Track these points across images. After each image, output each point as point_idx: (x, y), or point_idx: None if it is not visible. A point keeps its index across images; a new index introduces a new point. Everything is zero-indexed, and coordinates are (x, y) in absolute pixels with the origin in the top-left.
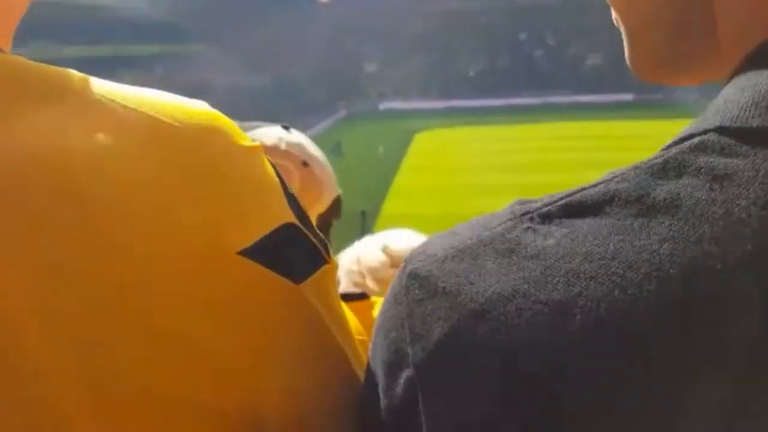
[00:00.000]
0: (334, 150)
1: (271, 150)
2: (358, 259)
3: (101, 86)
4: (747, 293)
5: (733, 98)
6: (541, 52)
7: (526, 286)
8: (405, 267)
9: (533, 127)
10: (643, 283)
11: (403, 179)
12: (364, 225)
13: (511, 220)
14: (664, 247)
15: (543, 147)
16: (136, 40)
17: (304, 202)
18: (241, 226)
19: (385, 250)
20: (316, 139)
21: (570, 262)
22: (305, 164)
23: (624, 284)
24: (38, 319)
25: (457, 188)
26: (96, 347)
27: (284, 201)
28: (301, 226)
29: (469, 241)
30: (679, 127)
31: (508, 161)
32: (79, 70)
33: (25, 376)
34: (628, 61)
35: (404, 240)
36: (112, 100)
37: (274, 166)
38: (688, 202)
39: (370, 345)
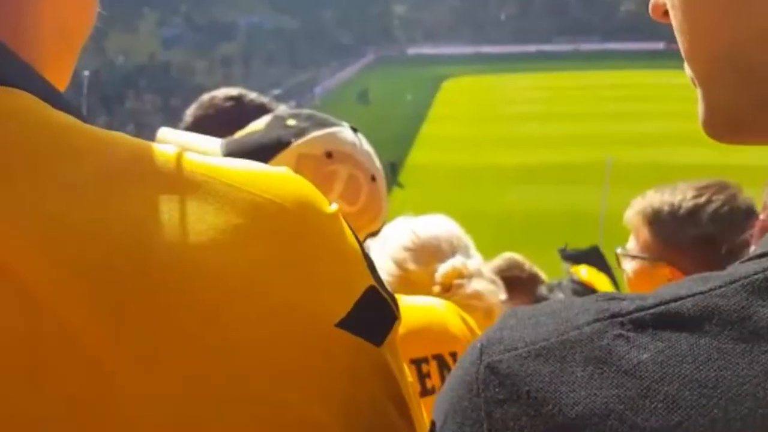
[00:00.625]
0: (360, 97)
1: (347, 158)
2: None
3: (193, 161)
4: None
5: None
6: None
7: (621, 407)
8: (480, 356)
9: (563, 75)
10: (747, 419)
11: (430, 128)
12: (392, 176)
13: (598, 321)
14: None
15: (573, 96)
16: None
17: (364, 219)
18: (337, 297)
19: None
20: (343, 86)
21: (669, 384)
22: (373, 179)
23: (727, 418)
24: (143, 398)
25: (485, 138)
26: (195, 417)
27: (364, 264)
28: (378, 286)
29: (554, 339)
30: None
31: (536, 110)
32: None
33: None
34: (700, 123)
35: (432, 228)
36: (213, 178)
37: (351, 228)
38: None
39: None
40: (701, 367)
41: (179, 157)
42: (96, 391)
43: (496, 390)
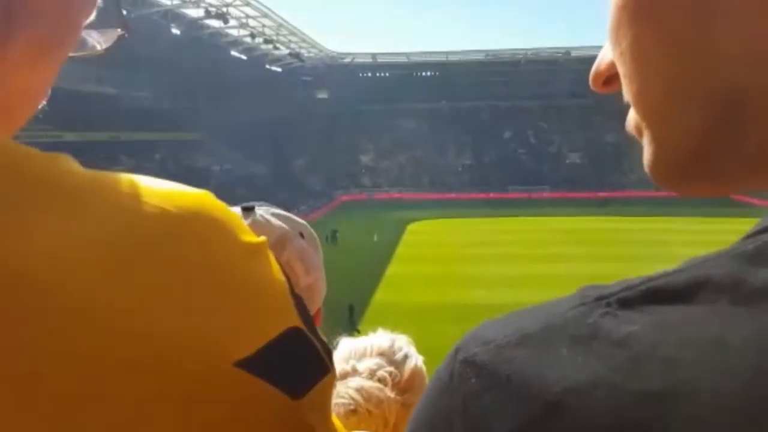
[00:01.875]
0: (330, 238)
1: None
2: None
3: (99, 179)
4: None
5: None
6: (524, 150)
7: (612, 375)
8: (456, 354)
9: (518, 220)
10: (759, 373)
11: (395, 268)
12: (352, 318)
13: (584, 305)
14: None
15: (528, 240)
16: (135, 127)
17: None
18: (242, 333)
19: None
20: (313, 227)
21: (665, 348)
22: (301, 235)
23: (735, 373)
24: None
25: (447, 278)
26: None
27: (290, 302)
28: (307, 331)
29: (535, 327)
30: (653, 222)
31: (495, 252)
32: (80, 154)
33: None
34: (646, 168)
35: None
36: (116, 193)
37: (280, 264)
38: None
39: None
40: (700, 329)
41: (57, 161)
42: None
43: (473, 382)
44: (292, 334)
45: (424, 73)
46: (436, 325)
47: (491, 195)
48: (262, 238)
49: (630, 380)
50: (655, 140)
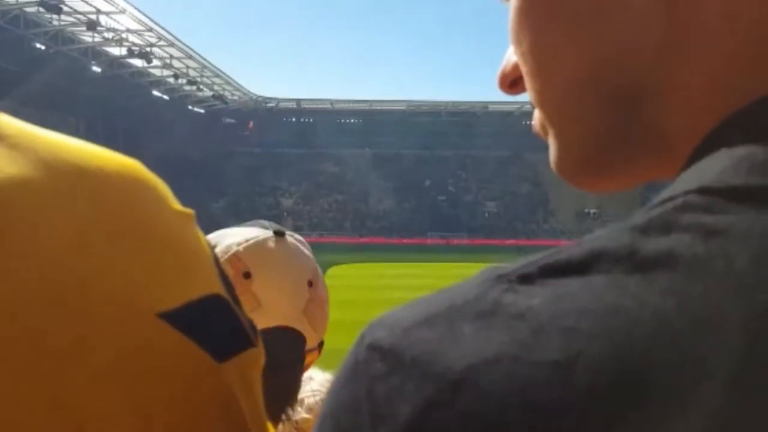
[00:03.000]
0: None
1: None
2: None
3: (24, 126)
4: (758, 349)
5: (706, 166)
6: (443, 197)
7: (514, 349)
8: (362, 340)
9: (438, 266)
10: (655, 337)
11: None
12: None
13: (485, 282)
14: (669, 302)
15: (446, 284)
16: None
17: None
18: (165, 286)
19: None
20: None
21: (563, 319)
22: (247, 275)
23: (631, 341)
24: None
25: (362, 322)
26: None
27: (215, 272)
28: (231, 303)
29: (439, 307)
30: None
31: (413, 296)
32: None
33: None
34: (552, 165)
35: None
36: (34, 142)
37: (206, 240)
38: (685, 256)
39: None
40: (597, 299)
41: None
42: None
43: (378, 365)
44: (216, 299)
45: (347, 120)
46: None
47: (411, 240)
48: (191, 211)
49: (531, 352)
50: (558, 137)
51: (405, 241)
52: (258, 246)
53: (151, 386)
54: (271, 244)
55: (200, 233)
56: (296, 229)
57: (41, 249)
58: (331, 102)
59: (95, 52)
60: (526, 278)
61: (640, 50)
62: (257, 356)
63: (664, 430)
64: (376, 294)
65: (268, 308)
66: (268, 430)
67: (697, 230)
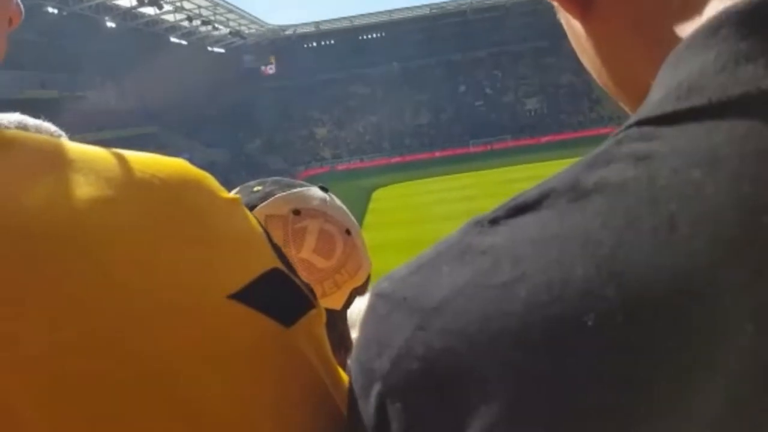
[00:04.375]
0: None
1: (316, 214)
2: None
3: (80, 149)
4: (666, 265)
5: (648, 100)
6: (481, 102)
7: (477, 277)
8: (372, 292)
9: (483, 173)
10: (578, 253)
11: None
12: None
13: (465, 228)
14: (596, 221)
15: (493, 192)
16: (83, 128)
17: (344, 274)
18: (229, 270)
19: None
20: None
21: (514, 250)
22: (348, 232)
23: (562, 258)
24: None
25: (418, 240)
26: (73, 386)
27: (269, 248)
28: (287, 272)
29: (429, 256)
30: None
31: (462, 208)
32: None
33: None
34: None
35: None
36: (93, 163)
37: (258, 220)
38: (615, 181)
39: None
40: (542, 229)
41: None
42: None
43: (382, 308)
44: (275, 272)
45: (370, 35)
46: None
47: (453, 151)
48: (237, 196)
49: (488, 279)
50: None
51: (447, 153)
52: (338, 203)
53: (234, 359)
54: (335, 197)
55: (249, 213)
56: (335, 158)
57: (120, 262)
58: (350, 19)
59: (105, 7)
60: (494, 221)
61: None
62: (319, 315)
63: (578, 328)
64: (423, 211)
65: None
66: (341, 376)
67: (630, 158)
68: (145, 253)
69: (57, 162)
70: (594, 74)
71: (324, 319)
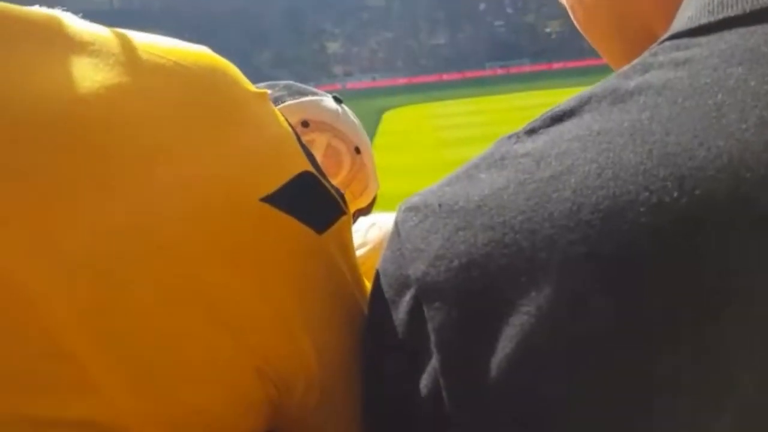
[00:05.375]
0: None
1: (326, 127)
2: None
3: (96, 30)
4: (718, 146)
5: (677, 19)
6: (501, 21)
7: (521, 175)
8: (399, 209)
9: (497, 98)
10: (628, 142)
11: (376, 159)
12: None
13: (499, 142)
14: (643, 114)
15: (509, 118)
16: None
17: (348, 193)
18: (263, 172)
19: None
20: None
21: (558, 147)
22: (358, 150)
23: (611, 147)
24: (42, 254)
25: (429, 165)
26: (104, 281)
27: (299, 149)
28: (318, 176)
29: (460, 171)
30: None
31: (476, 133)
32: None
33: (26, 310)
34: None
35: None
36: (108, 39)
37: (286, 119)
38: (657, 83)
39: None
40: (585, 128)
41: (59, 18)
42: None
43: (413, 219)
44: (307, 176)
45: None
46: None
47: (468, 74)
48: (265, 90)
49: (532, 175)
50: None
51: (462, 75)
52: (352, 117)
53: (266, 264)
54: (348, 110)
55: (278, 112)
56: (346, 75)
57: (144, 154)
58: None
59: None
60: (531, 131)
61: None
62: (348, 221)
63: (635, 210)
64: (435, 135)
65: (374, 178)
66: (365, 284)
67: (669, 64)
68: (167, 146)
69: (66, 44)
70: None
71: (351, 226)
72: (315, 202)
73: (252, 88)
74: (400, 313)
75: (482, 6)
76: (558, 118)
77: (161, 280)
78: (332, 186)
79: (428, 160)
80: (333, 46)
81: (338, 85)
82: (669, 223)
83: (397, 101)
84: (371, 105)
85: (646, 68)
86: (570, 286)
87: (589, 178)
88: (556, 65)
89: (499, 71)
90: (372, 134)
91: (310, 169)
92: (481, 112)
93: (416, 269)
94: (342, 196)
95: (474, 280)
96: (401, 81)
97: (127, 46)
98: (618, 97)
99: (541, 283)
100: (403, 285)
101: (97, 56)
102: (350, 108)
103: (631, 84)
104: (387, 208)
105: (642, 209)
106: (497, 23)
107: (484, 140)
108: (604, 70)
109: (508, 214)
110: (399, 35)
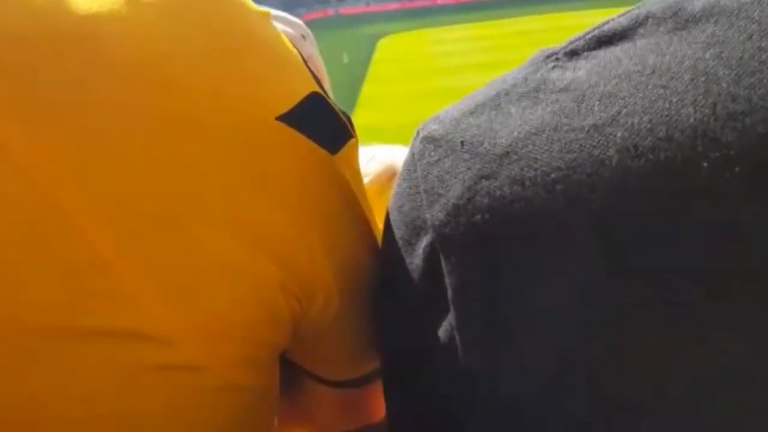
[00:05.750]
0: None
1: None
2: None
3: None
4: None
5: None
6: None
7: (557, 118)
8: (417, 136)
9: (500, 23)
10: (689, 89)
11: (370, 89)
12: None
13: (534, 63)
14: (709, 52)
15: (511, 44)
16: None
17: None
18: (276, 89)
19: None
20: None
21: (605, 85)
22: (303, 38)
23: (667, 94)
24: (71, 166)
25: (427, 93)
26: (129, 190)
27: (306, 69)
28: (326, 97)
29: (487, 96)
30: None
31: (475, 60)
32: None
33: (56, 222)
34: None
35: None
36: None
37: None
38: (730, 6)
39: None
40: (637, 62)
41: None
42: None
43: (432, 154)
44: (317, 97)
45: None
46: None
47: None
48: (267, 9)
49: (571, 120)
50: None
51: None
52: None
53: (282, 181)
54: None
55: (282, 33)
56: (340, 1)
57: (153, 78)
58: None
59: None
60: (573, 53)
61: None
62: (356, 145)
63: (696, 170)
64: (433, 63)
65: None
66: (371, 206)
67: None
68: (190, 69)
69: None
70: None
71: (358, 148)
72: (326, 122)
73: (255, 7)
74: (417, 258)
75: None
76: (606, 40)
77: (187, 192)
78: (340, 109)
79: (427, 89)
80: None
81: (330, 11)
82: (727, 204)
83: (392, 28)
84: (365, 32)
85: None
86: (604, 263)
87: (638, 135)
88: None
89: None
90: (366, 63)
91: (318, 89)
92: (481, 38)
93: (434, 216)
94: (349, 119)
95: (496, 241)
96: (394, 6)
97: None
98: (680, 23)
99: (570, 254)
100: (419, 228)
101: None
102: (343, 36)
103: (698, 4)
104: (385, 139)
105: (698, 184)
106: None
107: (485, 68)
108: None
109: (540, 169)
110: None
